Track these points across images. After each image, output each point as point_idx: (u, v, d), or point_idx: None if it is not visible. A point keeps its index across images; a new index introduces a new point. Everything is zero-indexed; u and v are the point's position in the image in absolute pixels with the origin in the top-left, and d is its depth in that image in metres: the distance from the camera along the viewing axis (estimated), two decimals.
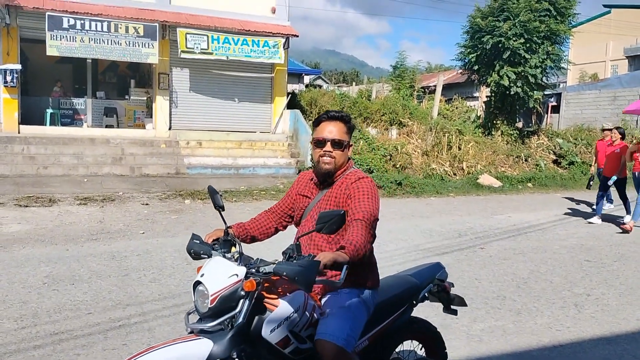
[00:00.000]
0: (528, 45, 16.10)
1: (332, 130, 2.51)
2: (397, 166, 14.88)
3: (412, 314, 2.95)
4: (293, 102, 17.66)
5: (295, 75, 31.93)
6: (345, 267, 2.09)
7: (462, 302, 3.05)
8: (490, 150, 16.56)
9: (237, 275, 2.13)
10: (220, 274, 2.14)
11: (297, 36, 16.24)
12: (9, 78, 13.21)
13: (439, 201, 12.40)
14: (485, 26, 16.48)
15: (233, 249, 2.33)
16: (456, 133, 16.51)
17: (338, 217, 2.13)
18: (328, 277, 2.29)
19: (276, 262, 2.15)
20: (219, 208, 2.48)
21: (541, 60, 16.32)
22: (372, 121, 17.80)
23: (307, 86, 32.09)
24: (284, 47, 15.71)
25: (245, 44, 15.09)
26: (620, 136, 10.06)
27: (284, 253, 2.15)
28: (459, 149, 16.08)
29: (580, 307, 5.15)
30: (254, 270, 2.17)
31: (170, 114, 15.38)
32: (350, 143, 2.58)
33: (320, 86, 37.57)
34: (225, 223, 2.47)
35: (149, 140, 14.45)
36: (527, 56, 16.14)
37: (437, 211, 10.90)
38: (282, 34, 15.72)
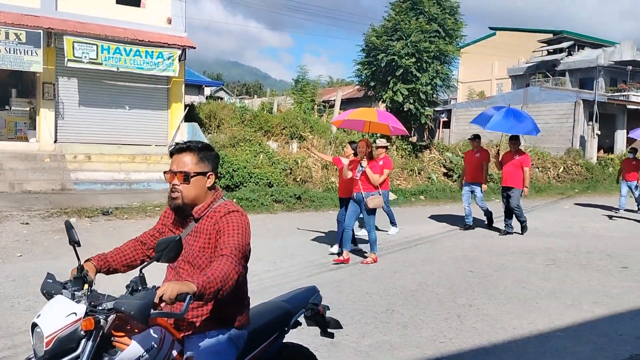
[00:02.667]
0: (419, 64, 16.92)
1: (179, 162, 2.41)
2: (298, 180, 14.96)
3: (293, 339, 2.91)
4: (191, 115, 17.27)
5: (196, 87, 31.31)
6: (189, 297, 1.96)
7: (337, 325, 3.07)
8: None
9: (75, 313, 1.98)
10: (57, 314, 1.98)
11: (194, 48, 15.93)
12: None
13: (336, 214, 12.57)
14: (379, 45, 17.12)
15: (86, 286, 2.18)
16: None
17: (174, 244, 2.04)
18: (169, 309, 2.15)
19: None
20: (74, 244, 2.33)
21: (431, 78, 17.20)
22: (272, 134, 17.83)
23: (207, 98, 31.57)
24: (180, 59, 15.33)
25: (138, 55, 14.55)
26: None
27: (127, 286, 2.03)
28: None
29: (463, 318, 5.39)
30: (95, 307, 2.02)
31: (56, 126, 14.46)
32: (209, 173, 2.44)
33: (221, 98, 37.09)
34: (78, 260, 2.31)
35: (32, 154, 13.49)
36: (419, 74, 16.95)
37: (334, 225, 11.01)
38: (178, 45, 15.34)
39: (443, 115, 30.59)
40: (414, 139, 22.25)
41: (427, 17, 17.50)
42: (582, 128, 25.32)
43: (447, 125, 30.71)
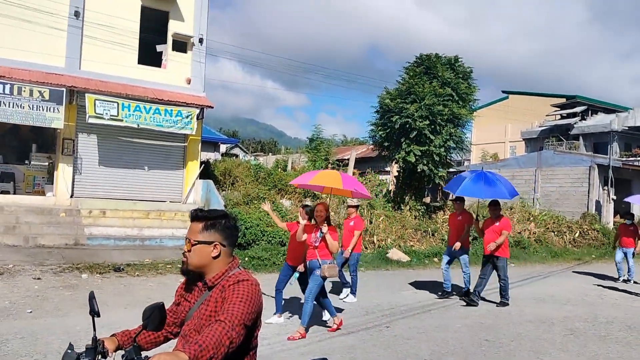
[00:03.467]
0: (433, 126, 17.09)
1: (190, 229, 2.46)
2: None
3: None
4: (206, 172, 17.47)
5: (212, 144, 31.83)
6: None
7: None
8: (399, 224, 17.00)
9: None
10: None
11: (212, 107, 16.30)
12: None
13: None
14: (394, 107, 17.38)
15: (99, 357, 2.18)
16: (368, 207, 16.90)
17: (156, 310, 2.05)
18: None
19: None
20: (94, 314, 2.33)
21: (444, 140, 17.33)
22: (286, 192, 17.89)
23: (223, 155, 32.03)
24: (198, 117, 15.68)
25: (158, 112, 14.92)
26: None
27: (122, 356, 2.05)
28: (370, 222, 16.40)
29: None
30: None
31: (73, 181, 14.68)
32: (215, 243, 2.43)
33: (236, 155, 37.58)
34: (94, 330, 2.31)
35: (48, 208, 13.63)
36: (432, 137, 17.08)
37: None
38: (196, 104, 15.73)
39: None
40: (427, 199, 22.20)
41: (441, 81, 17.81)
42: (598, 192, 25.12)
43: None
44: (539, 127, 38.49)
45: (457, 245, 9.84)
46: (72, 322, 6.80)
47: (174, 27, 16.45)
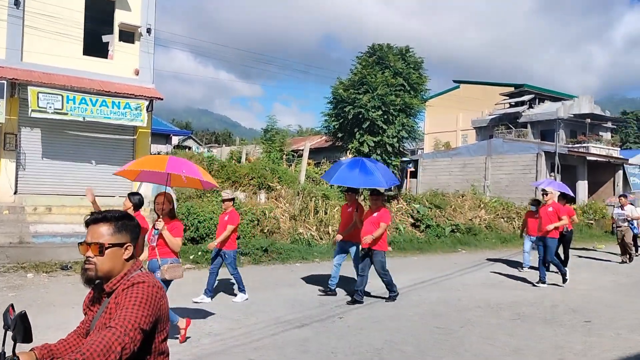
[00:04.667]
0: (385, 117, 17.26)
1: (94, 233, 2.27)
2: (265, 231, 14.81)
3: None
4: None
5: (163, 136, 31.19)
6: None
7: None
8: None
9: None
10: None
11: (162, 99, 15.94)
12: None
13: (304, 267, 12.45)
14: (347, 97, 17.45)
15: None
16: (322, 197, 16.94)
17: (18, 321, 1.96)
18: None
19: None
20: (6, 328, 2.14)
21: (397, 130, 17.53)
22: (240, 185, 17.74)
23: (175, 147, 31.46)
24: (147, 109, 15.30)
25: (105, 105, 14.47)
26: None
27: None
28: (325, 213, 16.45)
29: None
30: None
31: (16, 177, 14.13)
32: (127, 244, 2.30)
33: (189, 147, 36.99)
34: (3, 344, 2.10)
35: None
36: (385, 127, 17.26)
37: (301, 279, 10.90)
38: (145, 96, 15.33)
39: (410, 165, 31.05)
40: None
41: (393, 71, 17.99)
42: (545, 179, 25.99)
43: (414, 175, 31.14)
44: (489, 115, 39.43)
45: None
46: None
47: (120, 16, 15.94)
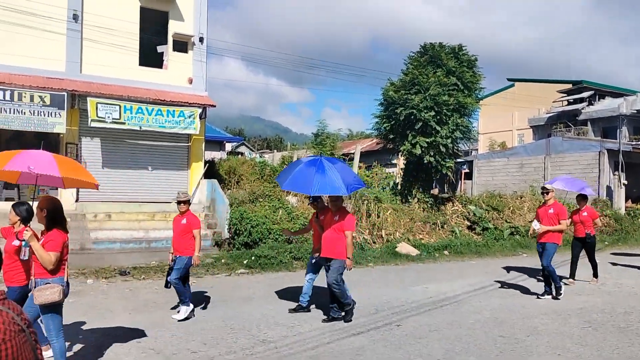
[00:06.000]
0: (438, 117, 16.83)
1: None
2: None
3: None
4: (211, 171, 17.33)
5: (217, 143, 31.71)
6: None
7: None
8: (407, 218, 16.80)
9: None
10: None
11: (214, 106, 16.16)
12: None
13: (358, 272, 12.24)
14: (398, 98, 17.13)
15: None
16: (374, 200, 16.71)
17: None
18: None
19: None
20: None
21: (451, 131, 17.07)
22: None
23: (229, 154, 31.90)
24: (200, 117, 15.55)
25: (160, 114, 14.80)
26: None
27: None
28: (378, 216, 16.21)
29: None
30: None
31: None
32: None
33: (242, 153, 37.45)
34: None
35: None
36: (438, 127, 16.83)
37: (355, 283, 10.67)
38: (198, 104, 15.58)
39: (464, 166, 30.34)
40: (435, 191, 21.98)
41: (445, 71, 17.55)
42: (608, 178, 24.77)
43: (469, 176, 30.38)
44: (546, 113, 38.03)
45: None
46: (74, 332, 6.68)
47: (173, 27, 16.29)
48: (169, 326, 7.13)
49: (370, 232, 15.61)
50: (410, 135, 17.20)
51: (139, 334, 6.74)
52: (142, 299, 8.79)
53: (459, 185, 28.88)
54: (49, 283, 4.77)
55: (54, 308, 4.82)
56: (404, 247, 14.68)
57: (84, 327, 6.90)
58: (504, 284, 10.63)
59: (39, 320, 5.12)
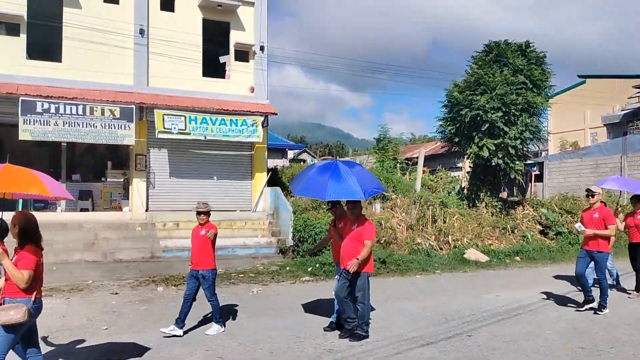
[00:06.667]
0: (506, 117, 16.20)
1: None
2: (381, 242, 14.46)
3: None
4: (274, 179, 17.45)
5: (279, 151, 32.00)
6: None
7: None
8: (475, 223, 16.24)
9: None
10: None
11: (276, 114, 16.27)
12: None
13: (424, 280, 11.92)
14: (462, 99, 16.64)
15: None
16: (440, 205, 16.26)
17: None
18: None
19: None
20: None
21: (520, 131, 16.38)
22: None
23: (291, 161, 32.16)
24: (262, 125, 15.71)
25: (223, 123, 15.08)
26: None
27: None
28: (444, 222, 15.76)
29: None
30: None
31: (147, 195, 15.06)
32: None
33: (304, 160, 37.66)
34: None
35: (124, 223, 14.01)
36: (506, 128, 16.19)
37: (422, 292, 10.40)
38: (260, 112, 15.75)
39: (534, 168, 29.16)
40: (504, 194, 21.18)
41: (512, 69, 16.89)
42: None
43: (539, 179, 29.15)
44: (621, 110, 35.97)
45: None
46: (145, 338, 6.79)
47: (235, 37, 16.57)
48: (236, 334, 7.13)
49: (436, 238, 15.19)
50: (476, 137, 16.64)
51: (206, 340, 6.79)
52: (206, 307, 8.83)
53: (529, 188, 27.75)
54: (17, 302, 4.48)
55: (13, 328, 4.46)
56: (472, 253, 14.18)
57: (155, 335, 6.98)
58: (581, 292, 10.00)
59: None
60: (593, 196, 8.68)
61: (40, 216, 14.05)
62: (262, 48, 16.79)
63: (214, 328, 7.29)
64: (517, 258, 14.64)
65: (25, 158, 15.99)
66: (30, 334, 4.82)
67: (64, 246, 12.49)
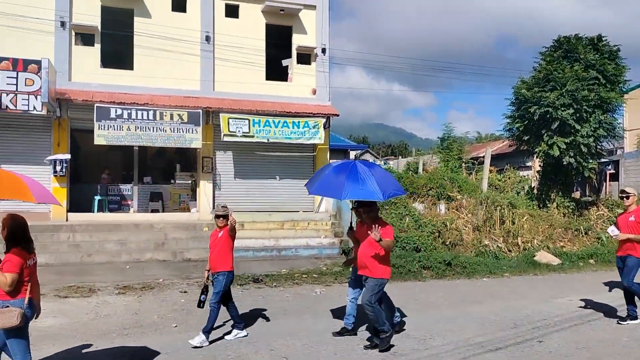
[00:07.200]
0: (578, 114, 15.52)
1: None
2: (447, 243, 14.21)
3: None
4: None
5: (341, 151, 32.03)
6: None
7: None
8: (546, 224, 15.65)
9: None
10: None
11: (338, 115, 16.32)
12: (58, 168, 13.70)
13: (492, 283, 11.60)
14: (531, 96, 16.07)
15: None
16: (508, 206, 15.76)
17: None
18: None
19: None
20: None
21: (593, 129, 15.64)
22: (419, 196, 17.30)
23: None
24: (324, 126, 15.82)
25: (286, 125, 15.30)
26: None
27: None
28: (513, 223, 15.28)
29: None
30: None
31: (214, 197, 15.49)
32: None
33: (367, 161, 37.44)
34: None
35: (192, 223, 14.46)
36: (577, 126, 15.51)
37: (490, 295, 10.12)
38: (322, 114, 15.86)
39: (609, 167, 27.75)
40: (576, 194, 20.29)
41: (584, 64, 16.16)
42: None
43: (615, 178, 27.71)
44: None
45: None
46: (212, 336, 6.96)
47: (297, 40, 16.77)
48: (300, 334, 7.19)
49: (504, 239, 14.76)
50: (546, 135, 16.04)
51: (271, 340, 6.88)
52: (275, 307, 8.99)
53: (604, 187, 26.44)
54: (8, 306, 4.49)
55: (17, 332, 4.54)
56: (543, 256, 13.67)
57: (221, 333, 7.15)
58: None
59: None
60: (628, 198, 8.05)
61: (114, 217, 14.72)
62: (323, 50, 16.89)
63: (234, 332, 7.12)
64: (592, 261, 13.98)
65: (100, 162, 16.93)
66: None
67: (137, 246, 13.04)
